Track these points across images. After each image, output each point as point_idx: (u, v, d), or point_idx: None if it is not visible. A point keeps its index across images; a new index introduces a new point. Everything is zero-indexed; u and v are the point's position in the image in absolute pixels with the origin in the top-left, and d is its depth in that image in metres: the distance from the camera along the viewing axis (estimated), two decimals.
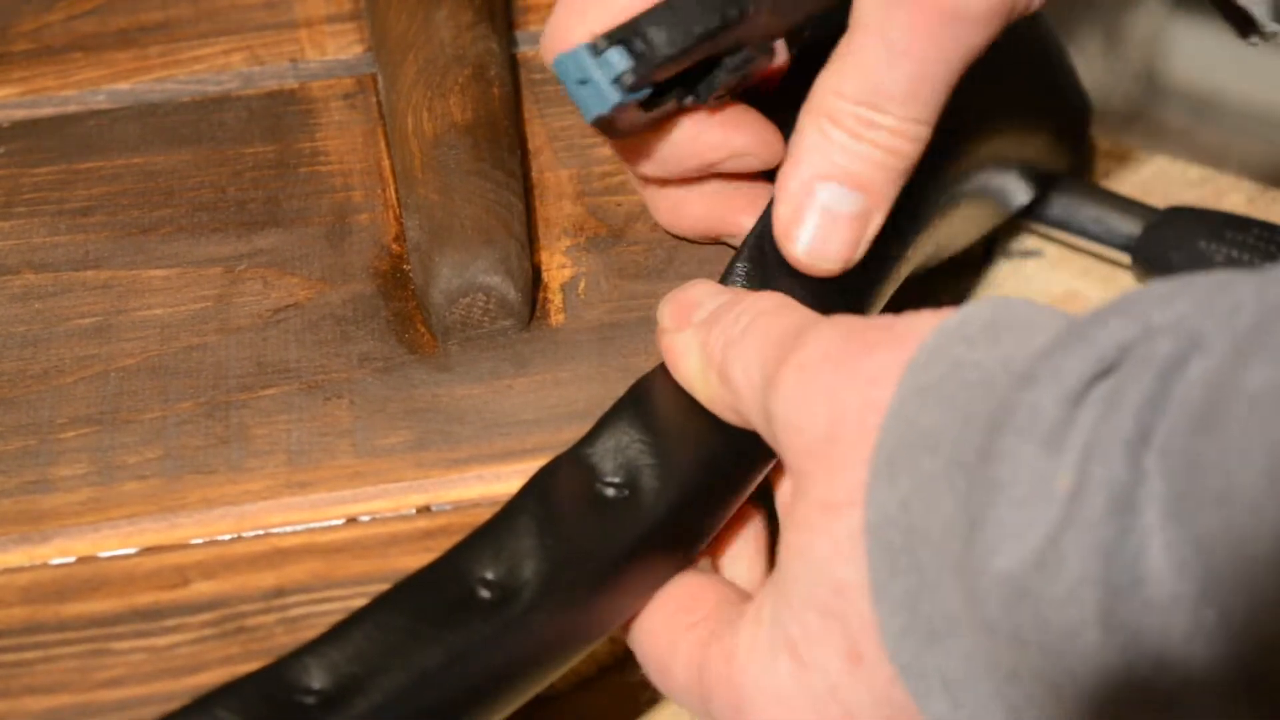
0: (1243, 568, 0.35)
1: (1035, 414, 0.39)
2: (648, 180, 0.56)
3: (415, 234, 0.56)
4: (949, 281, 0.63)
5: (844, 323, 0.46)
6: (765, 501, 0.50)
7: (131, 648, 0.48)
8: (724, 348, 0.47)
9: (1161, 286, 0.40)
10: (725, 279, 0.53)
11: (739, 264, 0.53)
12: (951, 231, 0.59)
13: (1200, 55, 0.72)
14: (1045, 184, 0.64)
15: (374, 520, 0.51)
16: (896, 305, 0.51)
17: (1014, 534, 0.39)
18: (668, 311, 0.50)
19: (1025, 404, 0.39)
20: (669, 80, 0.52)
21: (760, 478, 0.49)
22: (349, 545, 0.50)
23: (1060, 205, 0.64)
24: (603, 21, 0.51)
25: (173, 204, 0.60)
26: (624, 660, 0.54)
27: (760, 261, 0.53)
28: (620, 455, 0.49)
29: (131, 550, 0.51)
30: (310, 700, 0.44)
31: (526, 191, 0.59)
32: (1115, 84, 0.73)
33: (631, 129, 0.53)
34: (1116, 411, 0.38)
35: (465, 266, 0.54)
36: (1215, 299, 0.38)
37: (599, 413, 0.50)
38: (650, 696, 0.53)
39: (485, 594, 0.46)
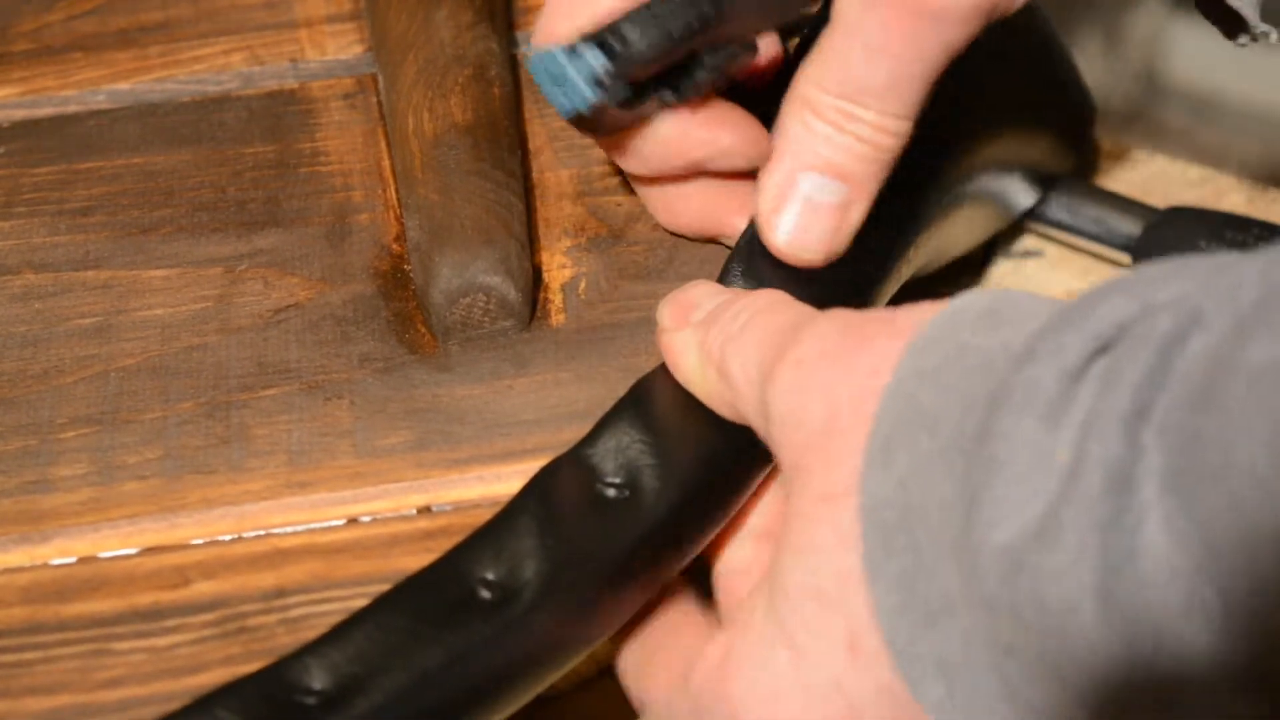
0: (1243, 543, 0.35)
1: (1034, 390, 0.39)
2: (639, 179, 0.56)
3: (415, 234, 0.56)
4: (949, 281, 0.63)
5: (841, 316, 0.46)
6: None
7: (132, 648, 0.48)
8: (722, 344, 0.48)
9: (1163, 266, 0.40)
10: (722, 279, 0.53)
11: (735, 264, 0.53)
12: (954, 233, 0.59)
13: (1200, 55, 0.72)
14: (1048, 186, 0.64)
15: (374, 520, 0.51)
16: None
17: (1012, 508, 0.39)
18: (667, 312, 0.51)
19: (1024, 380, 0.39)
20: (649, 79, 0.52)
21: (761, 478, 0.49)
22: (350, 545, 0.50)
23: (1060, 205, 0.64)
24: (592, 22, 0.51)
25: (173, 204, 0.60)
26: None
27: (756, 261, 0.53)
28: (621, 456, 0.49)
29: (132, 550, 0.51)
30: (311, 700, 0.44)
31: (527, 192, 0.59)
32: (1115, 84, 0.73)
33: (612, 127, 0.54)
34: (1115, 388, 0.38)
35: (465, 267, 0.54)
36: (1217, 277, 0.38)
37: (599, 413, 0.50)
38: None
39: (486, 594, 0.46)
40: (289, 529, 0.51)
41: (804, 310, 0.48)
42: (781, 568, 0.44)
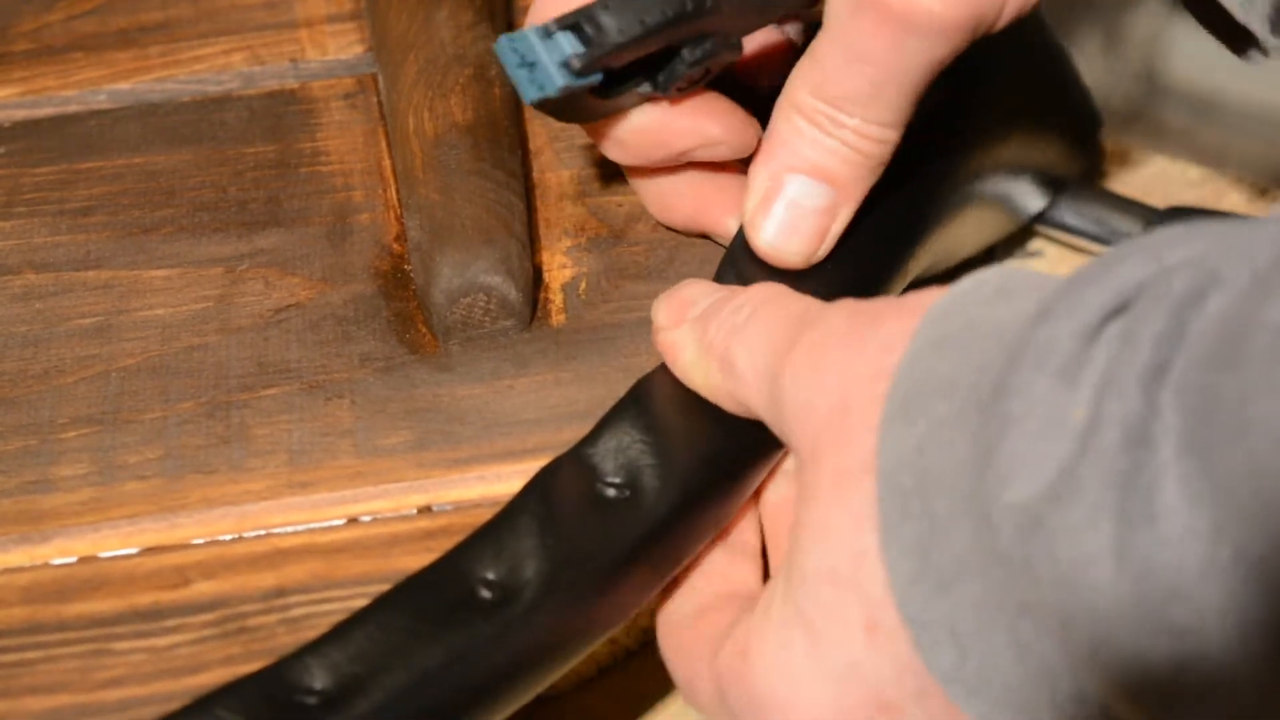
0: (1261, 503, 0.35)
1: (1050, 348, 0.39)
2: (632, 171, 0.56)
3: (416, 234, 0.56)
4: (949, 282, 0.63)
5: (849, 304, 0.46)
6: None
7: (132, 648, 0.48)
8: (726, 338, 0.48)
9: (1179, 228, 0.40)
10: (718, 279, 0.53)
11: (730, 264, 0.53)
12: (961, 235, 0.59)
13: (1200, 55, 0.72)
14: (1057, 190, 0.64)
15: (375, 520, 0.51)
16: None
17: (1028, 466, 0.39)
18: (662, 310, 0.51)
19: (1040, 338, 0.39)
20: (627, 68, 0.52)
21: (763, 476, 0.49)
22: (350, 545, 0.50)
23: (1061, 206, 0.64)
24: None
25: (174, 204, 0.60)
26: (624, 660, 0.54)
27: (753, 260, 0.53)
28: (621, 455, 0.49)
29: (132, 550, 0.51)
30: (311, 700, 0.44)
31: (527, 191, 0.59)
32: (1115, 84, 0.73)
33: (586, 116, 0.53)
34: (1132, 347, 0.38)
35: (466, 266, 0.54)
36: (1234, 238, 0.38)
37: (600, 413, 0.50)
38: (653, 695, 0.53)
39: (486, 594, 0.46)
40: (289, 529, 0.51)
41: (809, 301, 0.48)
42: (797, 551, 0.44)
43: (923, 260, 0.56)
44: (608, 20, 0.50)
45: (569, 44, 0.50)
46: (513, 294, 0.55)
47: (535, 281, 0.56)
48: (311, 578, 0.50)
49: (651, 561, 0.47)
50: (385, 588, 0.46)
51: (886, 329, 0.44)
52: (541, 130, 0.62)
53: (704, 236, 0.57)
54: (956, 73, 0.51)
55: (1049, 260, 0.66)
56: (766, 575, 0.50)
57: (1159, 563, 0.37)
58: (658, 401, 0.50)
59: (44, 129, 0.63)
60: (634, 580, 0.47)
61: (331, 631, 0.45)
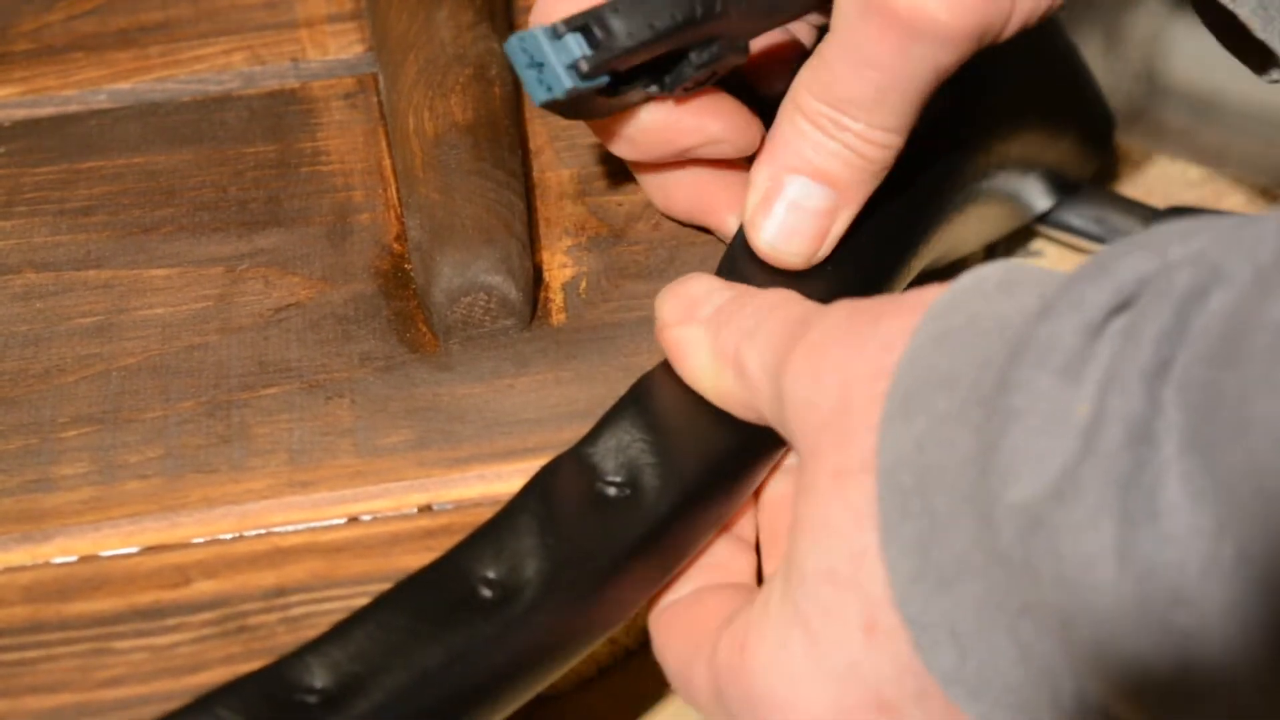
0: (1264, 501, 0.35)
1: (1053, 344, 0.39)
2: (635, 164, 0.57)
3: (416, 233, 0.56)
4: (949, 278, 0.63)
5: (848, 303, 0.46)
6: None
7: (132, 647, 0.48)
8: (738, 343, 0.48)
9: (1182, 224, 0.40)
10: (720, 274, 0.53)
11: (731, 261, 0.53)
12: (967, 230, 0.59)
13: (1200, 55, 0.73)
14: (1066, 191, 0.64)
15: (375, 519, 0.51)
16: None
17: (1030, 462, 0.38)
18: (668, 306, 0.50)
19: (1043, 335, 0.39)
20: (633, 69, 0.52)
21: (763, 475, 0.49)
22: (350, 544, 0.50)
23: (1061, 206, 0.64)
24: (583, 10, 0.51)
25: (174, 203, 0.60)
26: (624, 660, 0.54)
27: (753, 259, 0.53)
28: (622, 454, 0.49)
29: (133, 549, 0.51)
30: (312, 699, 0.44)
31: (528, 191, 0.59)
32: (1115, 84, 0.73)
33: (591, 114, 0.54)
34: (1134, 343, 0.37)
35: (466, 266, 0.54)
36: (1237, 234, 0.38)
37: (600, 412, 0.50)
38: (653, 695, 0.53)
39: (487, 593, 0.46)
40: (290, 528, 0.51)
41: (813, 305, 0.48)
42: (796, 550, 0.44)
43: (929, 255, 0.56)
44: (617, 24, 0.50)
45: (578, 46, 0.50)
46: (513, 293, 0.55)
47: (535, 281, 0.56)
48: (312, 577, 0.50)
49: (652, 561, 0.47)
50: (386, 587, 0.46)
51: (886, 327, 0.44)
52: (542, 129, 0.62)
53: (705, 230, 0.57)
54: (963, 79, 0.51)
55: (1049, 260, 0.66)
56: (760, 571, 0.49)
57: (1161, 562, 0.37)
58: (658, 400, 0.50)
59: (44, 129, 0.63)
60: (634, 579, 0.47)
61: (332, 630, 0.45)
